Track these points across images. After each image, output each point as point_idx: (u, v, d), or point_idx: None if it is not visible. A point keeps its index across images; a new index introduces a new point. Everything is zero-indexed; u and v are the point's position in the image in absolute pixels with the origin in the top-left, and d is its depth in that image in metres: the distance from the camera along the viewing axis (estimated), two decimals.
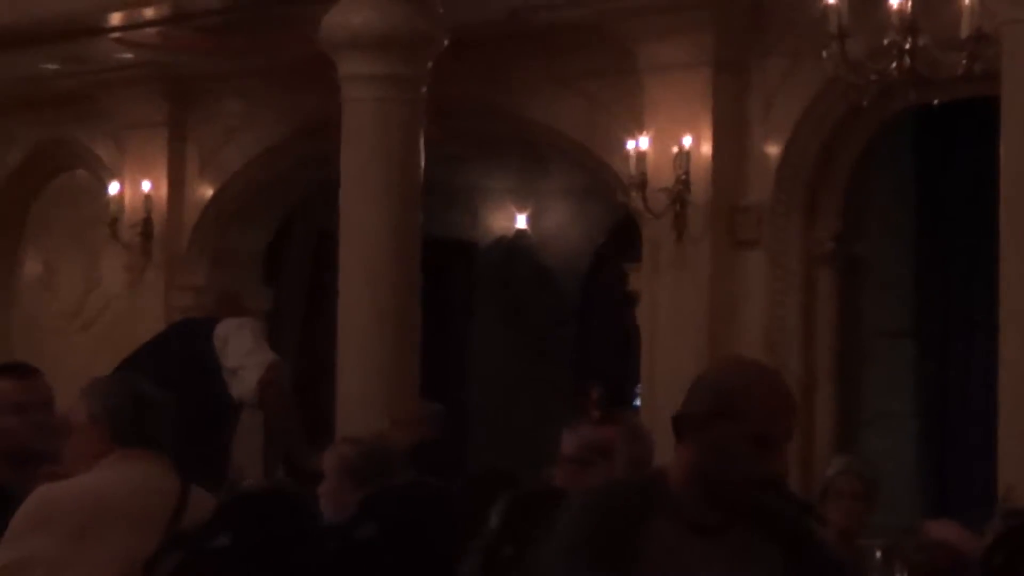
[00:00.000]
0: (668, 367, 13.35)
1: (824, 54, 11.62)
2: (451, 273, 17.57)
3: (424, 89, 13.22)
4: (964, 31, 11.15)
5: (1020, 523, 8.44)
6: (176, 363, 8.89)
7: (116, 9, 14.76)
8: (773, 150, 13.86)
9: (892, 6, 11.39)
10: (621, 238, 16.07)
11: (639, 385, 14.04)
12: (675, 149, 13.75)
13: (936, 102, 12.49)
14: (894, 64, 11.42)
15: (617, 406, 12.21)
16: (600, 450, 8.66)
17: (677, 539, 4.77)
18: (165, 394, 6.26)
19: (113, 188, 16.72)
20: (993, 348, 10.57)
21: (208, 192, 16.76)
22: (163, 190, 16.65)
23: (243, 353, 9.21)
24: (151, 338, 9.95)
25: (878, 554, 7.81)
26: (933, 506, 14.15)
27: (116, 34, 15.36)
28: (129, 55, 15.93)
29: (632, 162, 13.86)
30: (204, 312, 9.80)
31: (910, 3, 11.34)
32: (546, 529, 5.02)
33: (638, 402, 13.94)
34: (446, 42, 13.15)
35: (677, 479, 4.85)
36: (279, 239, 17.39)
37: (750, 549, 4.88)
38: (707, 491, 4.82)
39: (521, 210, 18.15)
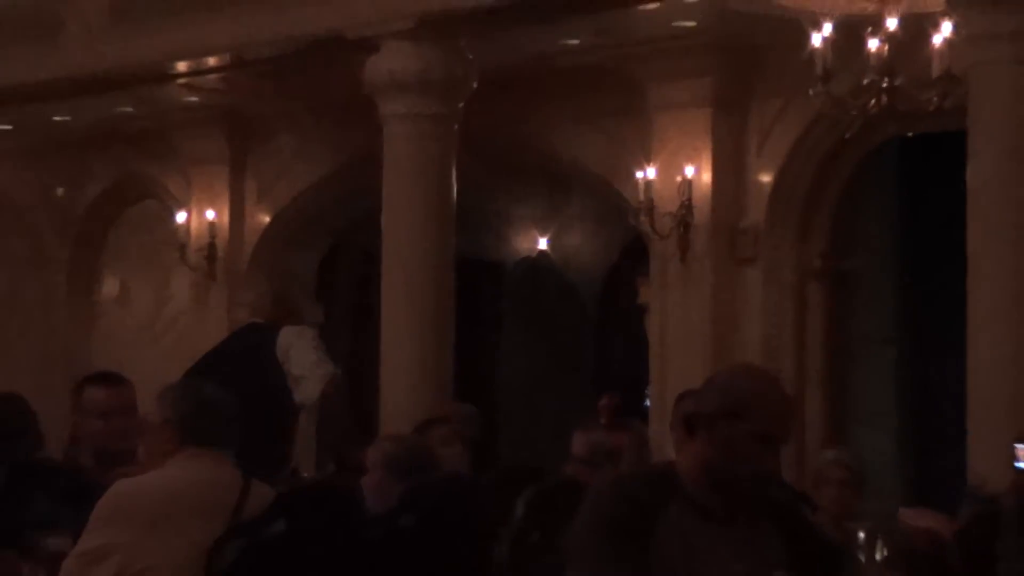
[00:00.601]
0: (675, 371, 13.36)
1: (811, 93, 11.62)
2: (481, 289, 17.57)
3: (456, 126, 13.25)
4: (935, 71, 11.15)
5: (991, 507, 8.43)
6: (244, 368, 8.88)
7: (182, 58, 14.79)
8: (767, 178, 13.87)
9: (871, 50, 11.39)
10: (632, 257, 16.06)
11: (649, 387, 14.03)
12: (679, 178, 13.77)
13: (911, 134, 12.52)
14: (873, 101, 11.42)
15: (628, 414, 12.19)
16: (608, 453, 8.67)
17: (689, 524, 4.79)
18: (230, 397, 6.28)
19: (181, 217, 16.75)
20: (965, 353, 10.54)
21: (265, 219, 16.78)
22: (225, 218, 16.67)
23: (307, 364, 9.18)
24: (221, 343, 9.91)
25: (861, 535, 7.80)
26: (913, 493, 14.13)
27: (183, 80, 15.40)
28: (194, 98, 15.97)
29: (641, 189, 13.89)
30: (262, 312, 9.69)
31: (887, 47, 11.35)
32: (567, 517, 5.04)
33: (648, 403, 13.92)
34: (475, 84, 13.17)
35: (687, 471, 4.88)
36: (329, 260, 17.41)
37: (754, 534, 4.91)
38: (714, 482, 4.84)
39: (543, 233, 18.14)
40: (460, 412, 12.13)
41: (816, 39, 11.40)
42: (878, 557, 7.23)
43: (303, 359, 9.18)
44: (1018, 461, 9.01)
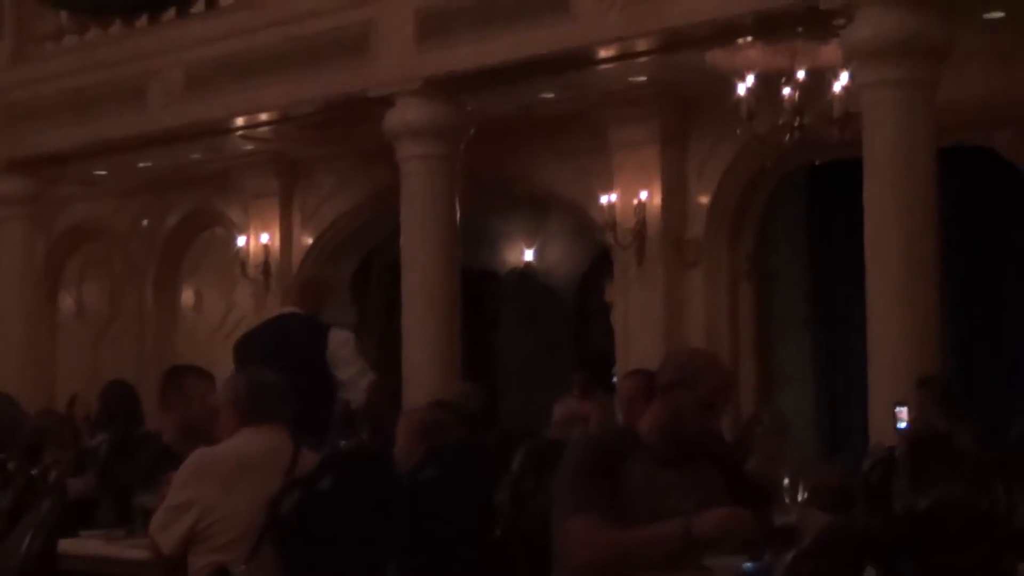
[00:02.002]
0: (636, 353, 13.33)
1: (738, 131, 11.62)
2: (481, 293, 17.54)
3: (458, 164, 13.22)
4: (836, 112, 11.15)
5: (888, 454, 8.42)
6: (302, 358, 8.74)
7: (241, 114, 14.76)
8: (705, 199, 13.85)
9: (785, 96, 11.39)
10: (600, 264, 16.03)
11: (615, 366, 14.00)
12: (635, 200, 13.75)
13: (818, 162, 12.50)
14: (788, 136, 11.42)
15: (598, 386, 12.15)
16: (579, 418, 8.67)
17: (648, 469, 4.84)
18: (282, 381, 6.25)
19: (241, 240, 16.74)
20: (864, 331, 10.52)
21: (309, 240, 16.75)
22: (277, 240, 16.64)
23: (354, 372, 9.06)
24: (270, 326, 9.61)
25: (786, 480, 7.76)
26: (826, 444, 14.11)
27: (241, 132, 15.37)
28: (251, 146, 15.94)
29: (605, 211, 13.87)
30: (294, 299, 9.46)
31: (797, 93, 11.35)
32: (554, 467, 5.03)
33: (615, 379, 13.88)
34: (473, 130, 13.13)
35: (647, 429, 4.90)
36: (361, 271, 17.37)
37: (701, 477, 4.95)
38: (667, 438, 4.85)
39: (529, 247, 18.10)
40: (466, 390, 12.10)
41: (741, 88, 11.40)
42: (799, 497, 7.20)
43: (349, 367, 9.05)
44: (899, 422, 9.00)
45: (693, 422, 4.87)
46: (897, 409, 9.14)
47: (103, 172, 17.16)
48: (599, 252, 15.80)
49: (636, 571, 4.73)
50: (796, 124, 11.37)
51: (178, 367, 7.95)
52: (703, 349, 10.32)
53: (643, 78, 13.01)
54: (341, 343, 9.06)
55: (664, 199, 13.75)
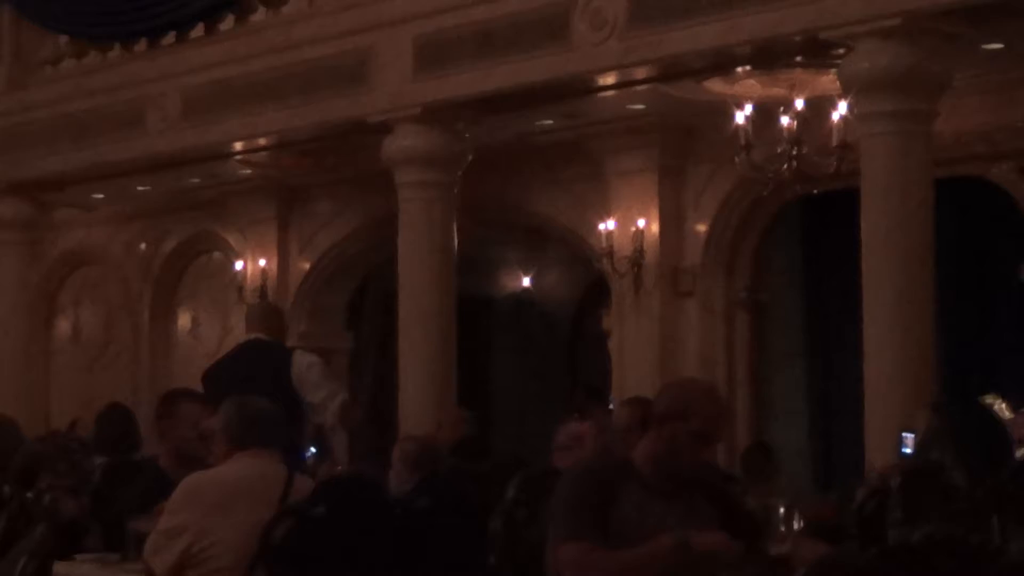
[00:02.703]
0: (631, 381, 13.33)
1: (736, 160, 11.64)
2: (478, 319, 17.53)
3: (455, 190, 13.21)
4: (834, 142, 11.16)
5: (881, 484, 8.42)
6: (261, 383, 8.68)
7: (238, 140, 14.77)
8: (702, 228, 13.86)
9: (782, 126, 11.42)
10: (597, 292, 16.04)
11: (611, 394, 13.99)
12: (632, 229, 13.76)
13: (815, 191, 12.51)
14: (785, 166, 11.44)
15: (594, 406, 12.11)
16: (576, 438, 8.66)
17: (641, 499, 4.85)
18: (275, 407, 6.26)
19: (239, 265, 16.74)
20: (859, 362, 10.52)
21: (306, 266, 16.76)
22: (274, 265, 16.65)
23: (323, 395, 9.00)
24: (235, 353, 9.58)
25: (782, 509, 7.76)
26: (820, 475, 14.10)
27: (239, 157, 15.38)
28: (248, 171, 15.95)
29: (603, 238, 13.88)
30: (256, 326, 9.44)
31: (795, 123, 11.37)
32: (547, 496, 5.04)
33: (612, 406, 13.87)
34: (470, 158, 13.15)
35: (641, 460, 4.91)
36: (357, 297, 17.37)
37: (693, 507, 4.95)
38: (661, 469, 4.85)
39: (526, 273, 18.13)
40: (459, 415, 12.09)
41: (739, 118, 11.42)
42: (795, 527, 7.20)
43: (319, 391, 9.00)
44: (904, 447, 9.00)
45: (687, 453, 4.89)
46: (903, 435, 9.13)
47: (100, 196, 17.17)
48: (595, 280, 15.80)
49: None
50: (794, 154, 11.39)
51: (172, 392, 7.96)
52: (699, 379, 10.31)
53: (641, 107, 13.02)
54: (306, 366, 9.02)
55: (661, 228, 13.76)
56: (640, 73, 12.03)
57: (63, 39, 16.34)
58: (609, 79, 12.22)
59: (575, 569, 4.73)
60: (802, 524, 6.78)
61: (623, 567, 4.72)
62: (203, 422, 7.13)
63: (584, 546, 4.72)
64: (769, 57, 11.19)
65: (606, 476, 4.92)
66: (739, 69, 11.46)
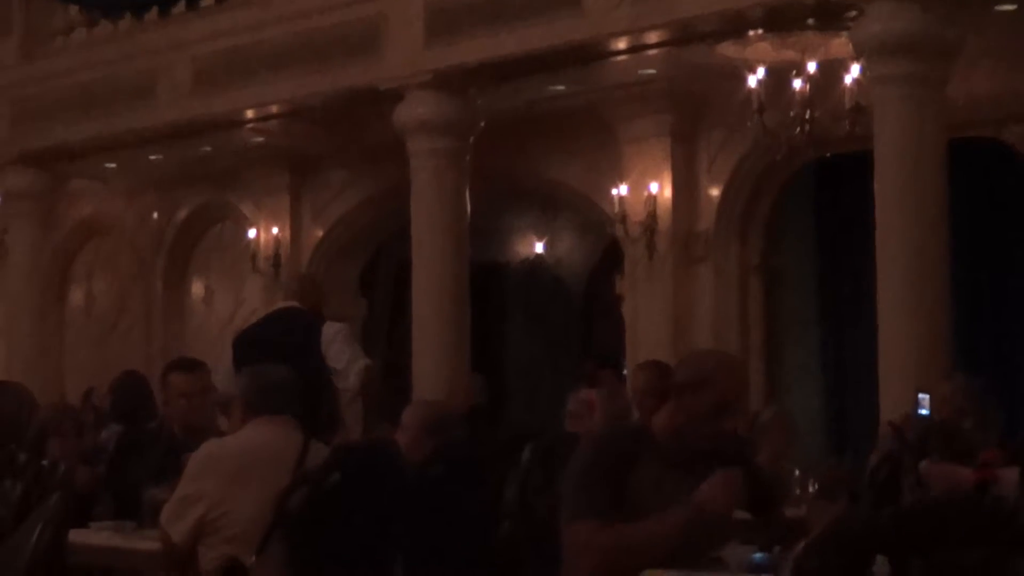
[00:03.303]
0: (645, 347, 13.32)
1: (749, 124, 11.62)
2: (491, 286, 17.53)
3: (468, 157, 13.21)
4: (847, 105, 11.14)
5: (896, 447, 8.40)
6: (303, 352, 8.76)
7: (250, 108, 14.76)
8: (715, 192, 13.84)
9: (795, 89, 11.40)
10: (610, 257, 16.03)
11: (625, 359, 14.00)
12: (645, 194, 13.75)
13: (829, 155, 12.50)
14: (798, 129, 11.42)
15: (603, 374, 12.09)
16: (588, 405, 8.70)
17: (658, 470, 4.84)
18: (290, 374, 6.27)
19: (251, 233, 16.75)
20: (873, 327, 10.52)
21: (319, 234, 16.76)
22: (287, 234, 16.65)
23: (345, 359, 9.07)
24: (269, 320, 9.63)
25: (797, 472, 7.79)
26: (833, 441, 14.11)
27: (251, 126, 15.37)
28: (260, 140, 15.94)
29: (616, 204, 13.87)
30: (294, 295, 9.49)
31: (808, 87, 11.35)
32: (562, 463, 5.04)
33: (625, 372, 13.88)
34: (482, 124, 13.13)
35: (659, 429, 4.90)
36: (370, 265, 17.38)
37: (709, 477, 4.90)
38: (680, 441, 4.85)
39: (539, 240, 18.11)
40: (473, 382, 12.12)
41: (752, 81, 11.40)
42: (811, 489, 7.22)
43: (342, 356, 9.07)
44: (921, 408, 8.98)
45: (708, 424, 4.87)
46: (920, 396, 9.11)
47: (113, 166, 17.17)
48: (609, 246, 15.79)
49: (645, 565, 4.73)
50: (807, 117, 11.37)
51: (170, 363, 7.99)
52: (719, 350, 10.32)
53: (653, 71, 12.99)
54: (333, 333, 9.07)
55: (674, 193, 13.74)
56: (652, 37, 12.00)
57: (73, 9, 16.33)
58: (621, 44, 12.20)
59: (587, 551, 4.72)
60: (816, 488, 6.80)
61: (635, 541, 4.71)
62: (196, 392, 7.19)
63: (592, 525, 4.70)
64: (781, 20, 11.16)
65: (624, 445, 4.91)
66: (751, 32, 11.43)
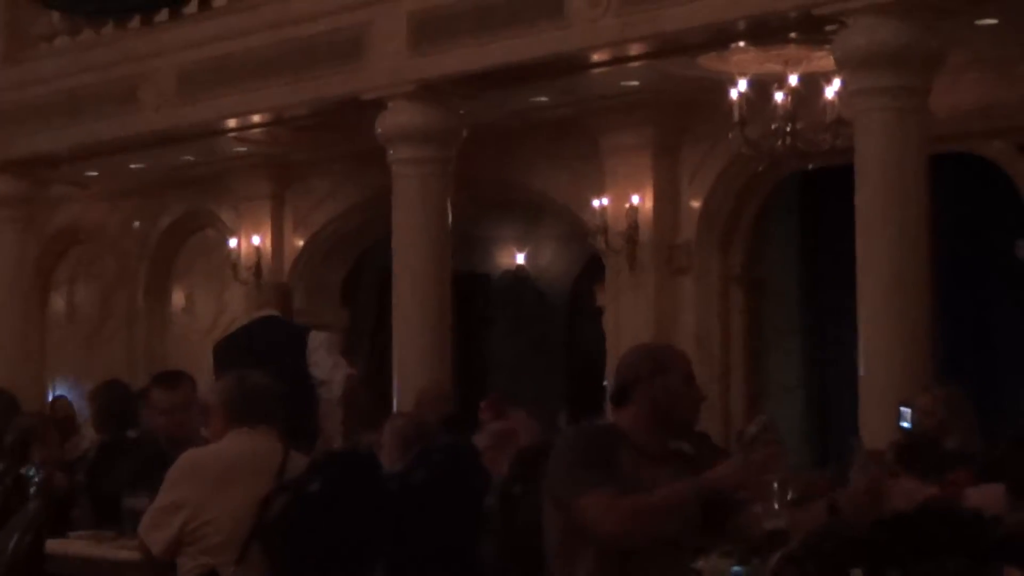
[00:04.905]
0: None
1: (731, 136, 11.65)
2: (473, 296, 17.54)
3: (450, 167, 13.21)
4: (828, 118, 11.18)
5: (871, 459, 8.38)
6: (285, 360, 8.78)
7: (233, 116, 14.76)
8: (697, 204, 13.86)
9: (777, 102, 11.43)
10: (592, 268, 16.04)
11: (606, 372, 14.00)
12: (627, 205, 13.76)
13: (810, 167, 12.52)
14: (780, 142, 11.45)
15: (587, 394, 12.07)
16: (507, 435, 8.83)
17: (634, 461, 4.90)
18: (272, 383, 6.27)
19: (233, 242, 16.73)
20: (855, 339, 10.54)
21: (300, 243, 16.76)
22: (268, 243, 16.65)
23: (328, 368, 9.10)
24: (250, 329, 9.63)
25: (775, 484, 7.77)
26: (815, 451, 14.12)
27: (233, 134, 15.37)
28: (243, 148, 15.94)
29: (597, 215, 13.89)
30: (270, 303, 9.53)
31: (790, 99, 11.38)
32: (541, 473, 5.05)
33: (606, 383, 13.88)
34: (465, 134, 13.14)
35: (630, 425, 4.95)
36: (352, 274, 17.38)
37: (681, 469, 4.99)
38: (660, 423, 4.90)
39: (521, 250, 18.12)
40: (440, 391, 12.03)
41: (734, 94, 11.43)
42: (788, 498, 7.21)
43: (325, 365, 9.10)
44: (903, 421, 8.98)
45: (685, 396, 5.00)
46: (902, 409, 9.12)
47: (95, 173, 17.16)
48: (590, 257, 15.80)
49: (662, 534, 4.77)
50: (788, 130, 11.40)
51: (154, 377, 8.00)
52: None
53: (636, 83, 13.02)
54: (317, 343, 9.10)
55: (656, 204, 13.77)
56: (635, 49, 12.03)
57: (56, 16, 16.32)
58: (605, 55, 12.22)
59: (605, 517, 4.72)
60: (797, 498, 6.79)
61: (652, 509, 4.74)
62: (171, 408, 7.20)
63: (608, 492, 4.73)
64: (764, 33, 11.19)
65: (602, 439, 4.98)
66: (733, 45, 11.45)
